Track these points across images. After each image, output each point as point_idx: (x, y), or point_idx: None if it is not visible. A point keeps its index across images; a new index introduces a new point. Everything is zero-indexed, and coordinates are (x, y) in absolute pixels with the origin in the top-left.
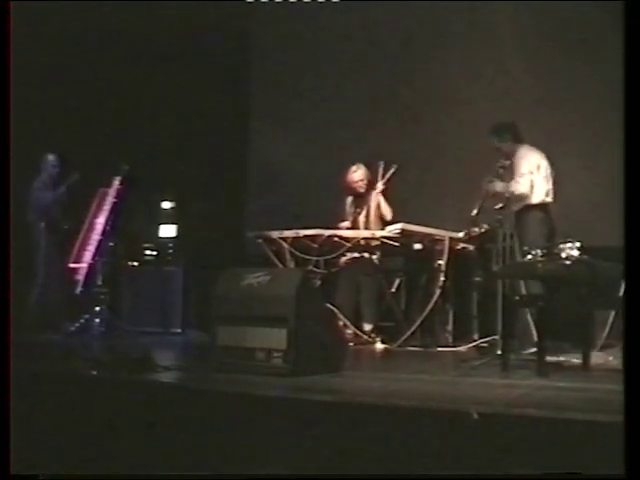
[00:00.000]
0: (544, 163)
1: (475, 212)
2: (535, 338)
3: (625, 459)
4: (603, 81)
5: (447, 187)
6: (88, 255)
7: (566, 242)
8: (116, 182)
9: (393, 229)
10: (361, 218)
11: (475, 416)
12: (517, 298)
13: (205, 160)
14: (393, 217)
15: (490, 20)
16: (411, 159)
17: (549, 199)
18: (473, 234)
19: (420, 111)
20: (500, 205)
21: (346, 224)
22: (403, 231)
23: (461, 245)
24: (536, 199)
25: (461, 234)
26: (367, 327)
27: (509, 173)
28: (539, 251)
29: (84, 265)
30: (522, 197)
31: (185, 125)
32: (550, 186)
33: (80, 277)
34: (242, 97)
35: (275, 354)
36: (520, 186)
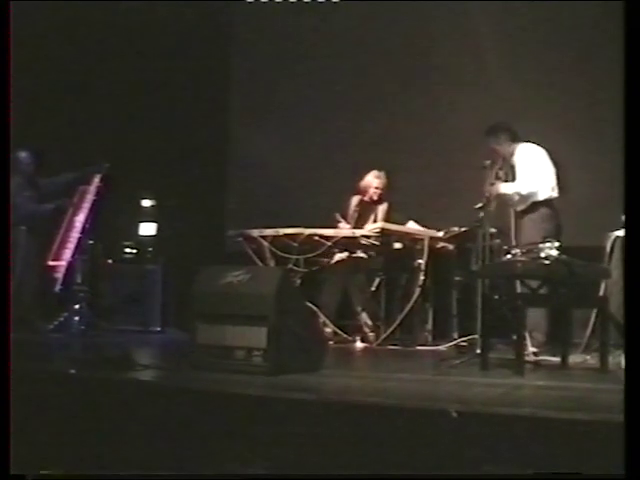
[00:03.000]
0: (545, 159)
1: (481, 215)
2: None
3: (625, 459)
4: (590, 80)
5: (430, 187)
6: (67, 253)
7: (545, 242)
8: (96, 180)
9: (373, 228)
10: (368, 226)
11: (454, 415)
12: (496, 297)
13: (185, 158)
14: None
15: (489, 20)
16: (396, 158)
17: (555, 194)
18: (452, 233)
19: (404, 111)
20: (480, 205)
21: (344, 225)
22: (383, 230)
23: (441, 244)
24: (543, 195)
25: (441, 233)
26: (369, 321)
27: (511, 173)
28: (518, 250)
29: (63, 263)
30: (530, 196)
31: (166, 123)
32: (554, 181)
33: (59, 275)
34: (222, 95)
35: (255, 353)
36: (528, 185)
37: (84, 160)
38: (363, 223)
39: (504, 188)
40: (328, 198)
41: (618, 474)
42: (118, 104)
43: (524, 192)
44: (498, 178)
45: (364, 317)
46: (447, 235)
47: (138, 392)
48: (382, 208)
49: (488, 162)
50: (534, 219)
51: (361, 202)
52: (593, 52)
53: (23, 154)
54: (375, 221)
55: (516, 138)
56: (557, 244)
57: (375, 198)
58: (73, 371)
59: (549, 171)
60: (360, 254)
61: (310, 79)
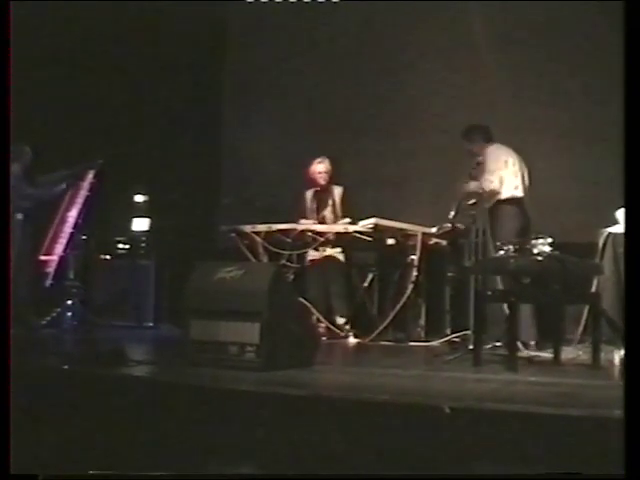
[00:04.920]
0: (511, 159)
1: (453, 214)
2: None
3: (625, 459)
4: (583, 78)
5: (419, 181)
6: (59, 248)
7: (538, 238)
8: (89, 176)
9: (366, 224)
10: (327, 213)
11: (447, 410)
12: (489, 293)
13: (179, 153)
14: (361, 212)
15: (473, 16)
16: (382, 153)
17: (519, 193)
18: (446, 229)
19: (393, 106)
20: (473, 201)
21: (306, 220)
22: (376, 226)
23: (434, 240)
24: (506, 194)
25: (434, 229)
26: (340, 320)
27: (481, 173)
28: (511, 247)
29: (55, 258)
30: (493, 193)
31: (159, 118)
32: (519, 181)
33: (51, 270)
34: (215, 90)
35: (248, 348)
36: (490, 183)
37: (78, 155)
38: (322, 211)
39: (472, 186)
40: (297, 198)
41: (618, 474)
42: (113, 99)
43: (487, 190)
44: (472, 177)
45: (341, 314)
46: (440, 231)
47: (131, 388)
48: (337, 192)
49: (479, 163)
50: (499, 216)
51: (315, 193)
52: (592, 51)
53: (19, 149)
54: (333, 205)
55: (489, 139)
56: (550, 240)
57: (323, 183)
58: (66, 367)
59: (513, 171)
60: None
61: (306, 76)
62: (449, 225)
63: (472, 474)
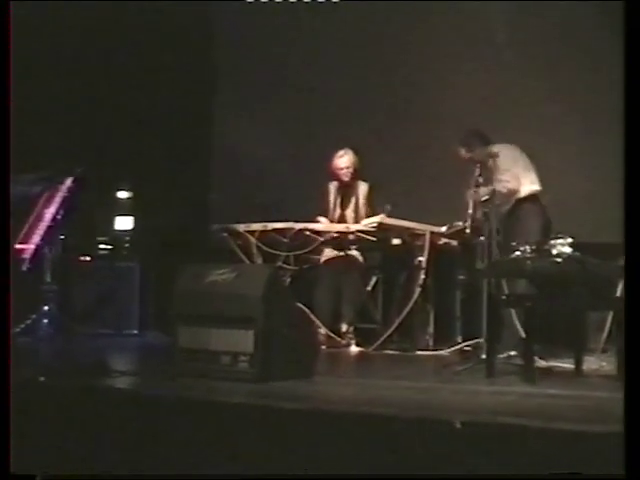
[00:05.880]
0: (518, 154)
1: (469, 224)
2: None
3: (625, 459)
4: (598, 74)
5: (430, 178)
6: (36, 238)
7: (557, 238)
8: (68, 180)
9: (370, 222)
10: (349, 212)
11: (458, 425)
12: (504, 298)
13: (166, 146)
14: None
15: (480, 16)
16: (389, 148)
17: (537, 187)
18: (456, 228)
19: (400, 99)
20: (485, 197)
21: (324, 218)
22: (380, 225)
23: (443, 240)
24: (525, 191)
25: (443, 228)
26: (343, 327)
27: (489, 177)
28: (528, 247)
29: (31, 246)
30: (511, 193)
31: (144, 109)
32: (534, 174)
33: (26, 256)
34: (205, 81)
35: (241, 358)
36: (506, 183)
37: (62, 150)
38: (345, 208)
39: (483, 192)
40: (319, 192)
41: (618, 474)
42: (100, 94)
43: (504, 191)
44: (478, 185)
45: (349, 320)
46: (450, 230)
47: (113, 401)
48: (362, 189)
49: (484, 168)
50: (521, 216)
51: (339, 187)
52: (592, 50)
53: None
54: (357, 204)
55: (488, 141)
56: (570, 240)
57: (347, 179)
58: (42, 379)
59: (525, 167)
60: (353, 251)
61: (296, 72)
62: (460, 224)
63: (472, 474)
